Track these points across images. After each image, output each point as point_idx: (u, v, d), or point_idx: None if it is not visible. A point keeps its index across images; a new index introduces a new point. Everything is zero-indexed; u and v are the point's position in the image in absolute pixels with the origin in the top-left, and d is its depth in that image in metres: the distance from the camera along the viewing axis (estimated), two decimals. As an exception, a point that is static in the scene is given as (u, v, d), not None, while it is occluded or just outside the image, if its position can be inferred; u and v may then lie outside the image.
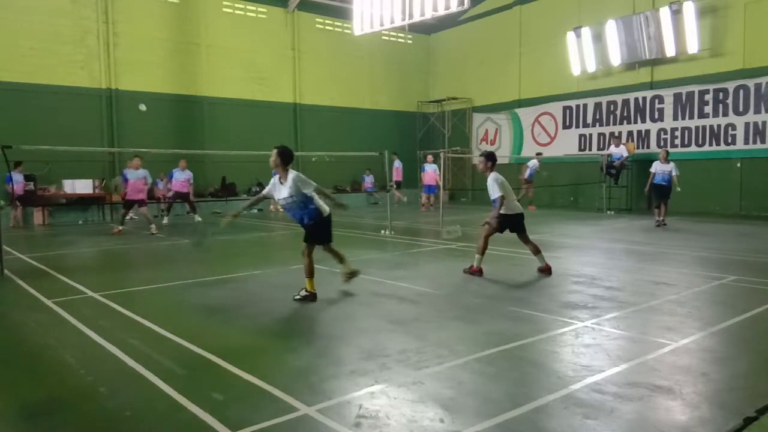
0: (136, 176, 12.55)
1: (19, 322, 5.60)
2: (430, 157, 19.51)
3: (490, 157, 7.70)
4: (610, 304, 5.83)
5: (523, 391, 3.61)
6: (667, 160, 13.14)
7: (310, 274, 6.20)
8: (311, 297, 6.17)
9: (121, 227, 12.77)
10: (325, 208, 6.28)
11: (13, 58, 15.83)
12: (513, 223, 7.62)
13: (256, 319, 5.56)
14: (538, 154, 19.05)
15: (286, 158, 6.08)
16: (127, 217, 14.10)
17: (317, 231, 6.27)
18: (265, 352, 4.54)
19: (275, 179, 6.26)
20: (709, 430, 3.08)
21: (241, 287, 7.05)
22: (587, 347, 4.48)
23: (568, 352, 4.41)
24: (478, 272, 7.47)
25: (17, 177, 14.03)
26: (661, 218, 13.02)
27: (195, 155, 17.56)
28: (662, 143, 17.33)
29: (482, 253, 7.50)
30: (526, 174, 18.53)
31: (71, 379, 4.00)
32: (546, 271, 7.49)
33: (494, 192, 7.37)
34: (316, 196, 6.15)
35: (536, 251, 7.60)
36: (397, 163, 20.69)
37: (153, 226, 12.62)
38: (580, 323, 5.15)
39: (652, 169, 13.21)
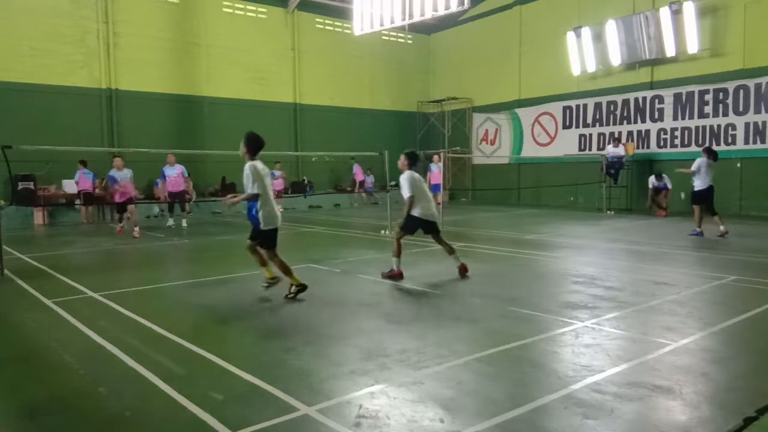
0: (123, 176, 12.28)
1: (19, 322, 5.59)
2: (436, 157, 19.64)
3: (411, 156, 7.66)
4: (610, 304, 5.83)
5: (523, 391, 3.61)
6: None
7: (287, 271, 6.13)
8: (302, 288, 6.14)
9: (121, 225, 12.87)
10: (268, 219, 6.03)
11: (13, 58, 15.83)
12: (425, 226, 7.50)
13: (256, 319, 5.56)
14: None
15: (250, 145, 6.02)
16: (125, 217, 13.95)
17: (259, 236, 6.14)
18: (265, 352, 4.54)
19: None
20: (709, 430, 3.08)
21: (241, 287, 7.05)
22: (587, 347, 4.48)
23: (568, 352, 4.41)
24: (399, 275, 7.28)
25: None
26: (701, 228, 11.22)
27: (195, 155, 17.56)
28: (662, 143, 17.33)
29: (398, 255, 7.35)
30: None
31: (71, 379, 4.00)
32: (462, 270, 7.41)
33: (404, 191, 7.35)
34: (263, 202, 5.96)
35: (451, 251, 7.53)
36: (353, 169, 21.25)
37: (137, 228, 12.33)
38: (580, 323, 5.15)
39: (697, 169, 11.09)
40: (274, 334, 5.01)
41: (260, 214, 6.04)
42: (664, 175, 15.70)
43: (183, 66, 18.85)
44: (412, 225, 7.46)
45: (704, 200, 11.13)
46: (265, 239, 6.19)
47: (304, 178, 21.19)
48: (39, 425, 3.30)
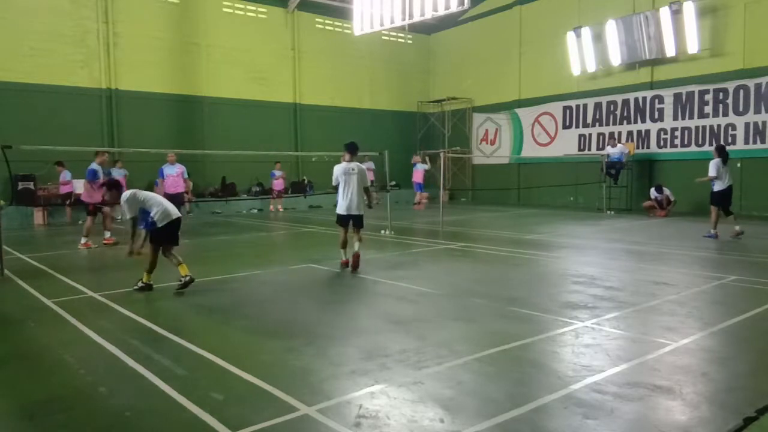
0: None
1: (19, 322, 5.60)
2: (418, 158, 20.09)
3: (349, 146, 8.19)
4: (610, 304, 5.83)
5: (523, 391, 3.61)
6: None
7: (149, 270, 6.74)
8: (147, 287, 6.73)
9: (108, 235, 11.24)
10: (166, 214, 6.67)
11: (13, 58, 15.83)
12: (353, 220, 8.23)
13: (256, 319, 5.56)
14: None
15: (119, 188, 7.11)
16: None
17: (153, 236, 6.73)
18: (265, 352, 4.54)
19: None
20: (709, 430, 3.08)
21: (241, 287, 7.05)
22: (587, 347, 4.48)
23: (568, 352, 4.41)
24: (344, 264, 8.03)
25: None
26: (716, 230, 10.90)
27: (195, 155, 17.57)
28: (662, 143, 17.32)
29: (342, 247, 8.17)
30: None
31: (71, 379, 4.00)
32: (354, 262, 7.90)
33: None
34: (154, 207, 6.65)
35: (359, 239, 8.15)
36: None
37: (84, 240, 10.65)
38: (580, 323, 5.15)
39: (716, 173, 10.78)
40: (274, 334, 5.01)
41: (155, 216, 6.60)
42: (665, 188, 15.71)
43: (183, 66, 18.85)
44: (339, 221, 8.25)
45: (724, 201, 10.86)
46: (166, 236, 6.70)
47: (304, 178, 21.19)
48: (39, 425, 3.29)
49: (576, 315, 5.44)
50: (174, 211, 6.77)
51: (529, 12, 20.93)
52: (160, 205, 6.68)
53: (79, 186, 15.07)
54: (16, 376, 4.14)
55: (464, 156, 23.13)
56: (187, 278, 6.57)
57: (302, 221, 15.75)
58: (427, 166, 19.93)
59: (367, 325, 5.26)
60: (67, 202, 15.35)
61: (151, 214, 6.62)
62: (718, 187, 10.86)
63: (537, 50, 20.64)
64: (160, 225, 6.62)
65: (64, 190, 15.47)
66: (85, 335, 5.00)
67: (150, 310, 5.91)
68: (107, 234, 11.32)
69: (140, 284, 6.75)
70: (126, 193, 6.73)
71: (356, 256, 7.92)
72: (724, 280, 7.00)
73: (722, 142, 15.45)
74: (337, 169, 8.07)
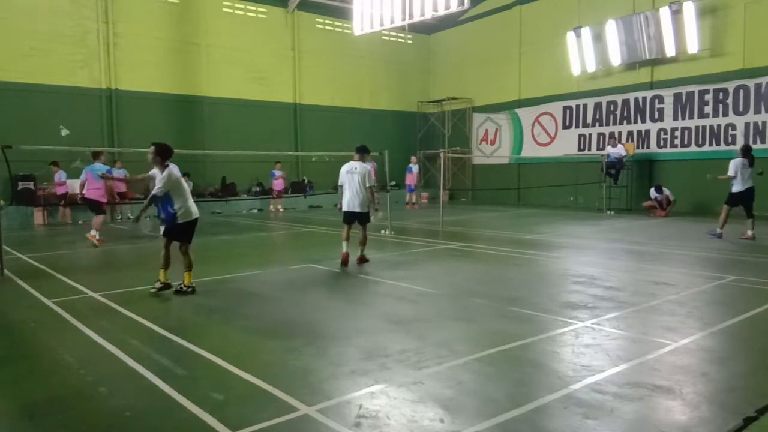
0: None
1: (19, 322, 5.60)
2: (414, 159, 20.16)
3: (359, 149, 8.45)
4: (610, 304, 5.83)
5: (523, 391, 3.61)
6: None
7: (164, 266, 6.60)
8: (165, 287, 6.57)
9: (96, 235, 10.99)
10: (188, 213, 6.54)
11: (13, 58, 15.83)
12: (356, 217, 8.33)
13: (256, 319, 5.56)
14: None
15: (166, 154, 6.53)
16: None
17: (168, 229, 6.64)
18: (265, 352, 4.54)
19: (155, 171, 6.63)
20: (709, 430, 3.08)
21: (241, 287, 7.05)
22: (587, 347, 4.48)
23: (568, 352, 4.41)
24: (343, 258, 8.16)
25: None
26: (722, 230, 10.73)
27: (195, 155, 17.57)
28: (662, 143, 17.32)
29: (344, 239, 8.28)
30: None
31: (71, 379, 4.00)
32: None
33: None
34: (180, 200, 6.46)
35: (363, 242, 8.43)
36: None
37: (97, 235, 10.76)
38: (580, 323, 5.15)
39: (734, 173, 10.54)
40: (274, 334, 5.01)
41: (179, 211, 6.48)
42: (664, 188, 15.70)
43: (183, 66, 18.86)
44: (343, 218, 8.41)
45: (742, 202, 10.66)
46: (180, 233, 6.60)
47: (304, 178, 21.19)
48: (39, 425, 3.29)
49: (576, 315, 5.44)
50: (195, 211, 6.67)
51: (529, 12, 20.93)
52: (186, 201, 6.54)
53: (75, 186, 15.00)
54: (16, 376, 4.14)
55: (464, 156, 23.13)
56: (189, 289, 6.52)
57: (302, 221, 15.75)
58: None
59: (367, 325, 5.26)
60: (61, 203, 15.36)
61: (175, 207, 6.48)
62: (735, 188, 10.63)
63: (537, 50, 20.64)
64: (179, 222, 6.52)
65: (60, 190, 15.48)
66: (85, 335, 5.00)
67: (150, 311, 5.90)
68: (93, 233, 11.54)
69: (158, 284, 6.59)
70: (174, 170, 6.45)
71: (359, 258, 8.41)
72: (724, 280, 7.00)
73: (723, 142, 15.47)
74: (342, 169, 8.44)
